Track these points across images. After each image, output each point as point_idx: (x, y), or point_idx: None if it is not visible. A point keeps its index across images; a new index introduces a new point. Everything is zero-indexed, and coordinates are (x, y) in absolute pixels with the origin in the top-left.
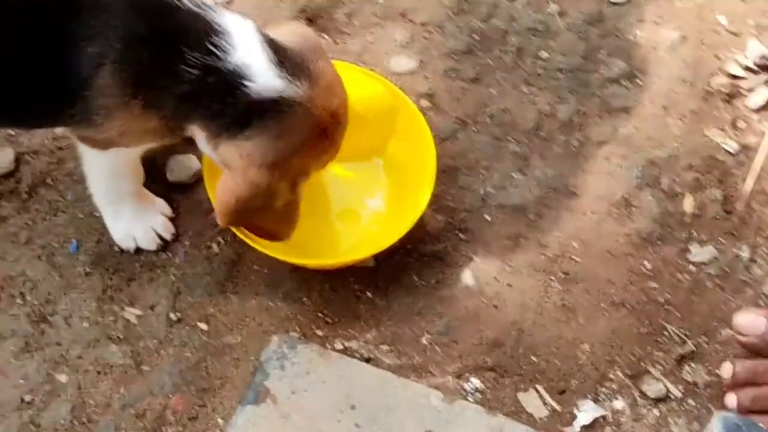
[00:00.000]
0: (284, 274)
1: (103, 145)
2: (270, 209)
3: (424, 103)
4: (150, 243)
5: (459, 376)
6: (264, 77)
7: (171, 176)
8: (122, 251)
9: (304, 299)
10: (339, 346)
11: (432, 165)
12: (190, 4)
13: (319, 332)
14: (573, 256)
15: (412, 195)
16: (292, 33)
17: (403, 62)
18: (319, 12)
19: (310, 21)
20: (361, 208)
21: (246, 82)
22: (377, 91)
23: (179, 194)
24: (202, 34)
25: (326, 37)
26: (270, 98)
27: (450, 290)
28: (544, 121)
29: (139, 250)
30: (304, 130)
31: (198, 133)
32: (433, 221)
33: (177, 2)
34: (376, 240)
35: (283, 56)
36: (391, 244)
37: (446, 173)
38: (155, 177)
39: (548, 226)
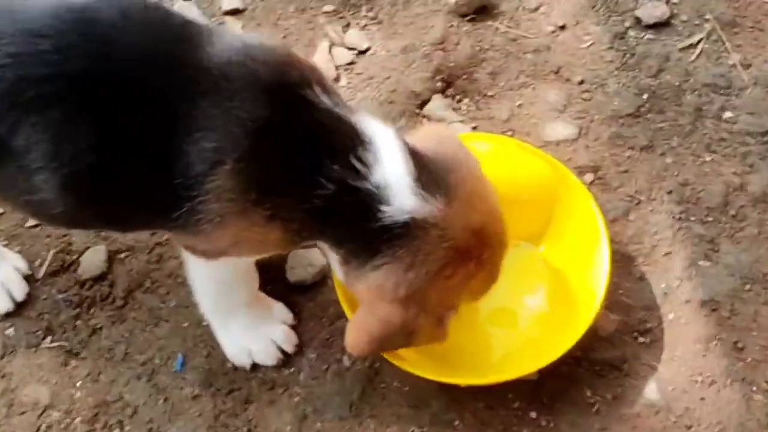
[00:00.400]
0: (430, 392)
1: (211, 254)
2: (408, 343)
3: (588, 177)
4: (269, 357)
5: None
6: (401, 198)
7: (292, 276)
8: (236, 368)
9: (456, 422)
10: None
11: (603, 253)
12: (330, 103)
13: None
14: None
15: (581, 290)
16: (426, 137)
17: (560, 129)
18: (457, 72)
19: (448, 84)
20: (519, 307)
21: (382, 206)
22: (534, 167)
23: (301, 296)
24: (347, 143)
25: (466, 101)
26: (402, 221)
27: (630, 407)
28: (732, 195)
29: (256, 366)
30: (440, 256)
31: (328, 252)
32: (605, 322)
33: (317, 99)
34: (539, 348)
35: (420, 169)
36: (560, 356)
37: (619, 262)
38: (273, 276)
39: (745, 324)
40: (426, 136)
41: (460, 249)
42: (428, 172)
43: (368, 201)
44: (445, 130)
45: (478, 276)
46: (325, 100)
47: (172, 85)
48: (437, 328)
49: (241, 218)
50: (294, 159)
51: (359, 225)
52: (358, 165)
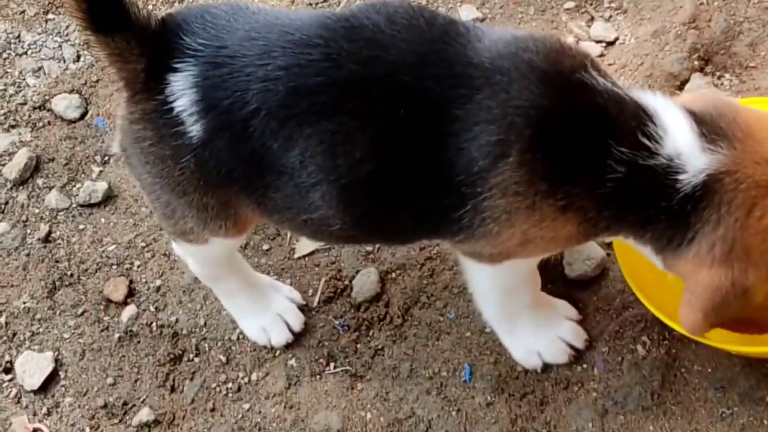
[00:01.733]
0: (736, 371)
1: (497, 258)
2: (748, 306)
3: None
4: (559, 356)
5: None
6: (693, 161)
7: (571, 272)
8: (527, 371)
9: None
10: None
11: None
12: (607, 83)
13: None
14: None
15: None
16: (685, 99)
17: None
18: (714, 48)
19: (705, 61)
20: None
21: (679, 176)
22: None
23: (583, 291)
24: (631, 122)
25: (727, 76)
26: (699, 182)
27: None
28: None
29: (547, 367)
30: (744, 199)
31: (636, 244)
32: None
33: (594, 81)
34: None
35: (700, 124)
36: None
37: None
38: (551, 274)
39: None
40: (685, 98)
41: (761, 184)
42: (704, 125)
43: (663, 175)
44: (692, 93)
45: None
46: (603, 82)
47: (443, 85)
48: None
49: (531, 213)
50: (580, 144)
51: (660, 203)
52: (647, 142)
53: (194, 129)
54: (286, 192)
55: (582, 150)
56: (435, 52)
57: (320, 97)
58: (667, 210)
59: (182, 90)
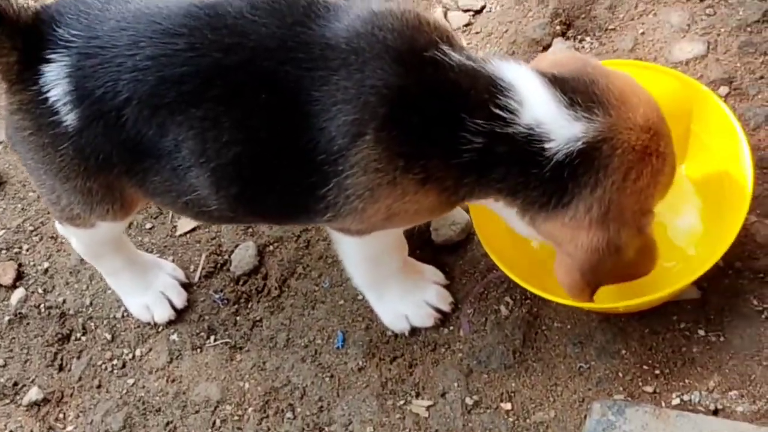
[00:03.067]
0: (593, 327)
1: (363, 232)
2: (622, 263)
3: (723, 90)
4: (426, 319)
5: None
6: (563, 130)
7: (437, 237)
8: (396, 335)
9: (623, 352)
10: (676, 401)
11: (746, 159)
12: (461, 58)
13: (649, 388)
14: None
15: (729, 202)
16: (554, 62)
17: (687, 48)
18: (575, 13)
19: (567, 26)
20: (672, 230)
21: (546, 144)
22: (662, 84)
23: (449, 255)
24: (483, 95)
25: (588, 39)
26: (574, 149)
27: None
28: None
29: (415, 330)
30: (620, 163)
31: (502, 209)
32: (761, 228)
33: (446, 58)
34: (694, 265)
35: (570, 93)
36: (712, 265)
37: (766, 168)
38: (418, 240)
39: None
40: (553, 61)
41: (636, 149)
42: (575, 92)
43: (526, 143)
44: (569, 51)
45: (665, 169)
46: (456, 57)
47: (302, 68)
48: (641, 237)
49: (392, 188)
50: (432, 119)
51: (529, 170)
52: (502, 113)
53: (69, 118)
54: (164, 176)
55: (435, 125)
56: (294, 35)
57: (186, 86)
58: (540, 176)
59: (56, 80)
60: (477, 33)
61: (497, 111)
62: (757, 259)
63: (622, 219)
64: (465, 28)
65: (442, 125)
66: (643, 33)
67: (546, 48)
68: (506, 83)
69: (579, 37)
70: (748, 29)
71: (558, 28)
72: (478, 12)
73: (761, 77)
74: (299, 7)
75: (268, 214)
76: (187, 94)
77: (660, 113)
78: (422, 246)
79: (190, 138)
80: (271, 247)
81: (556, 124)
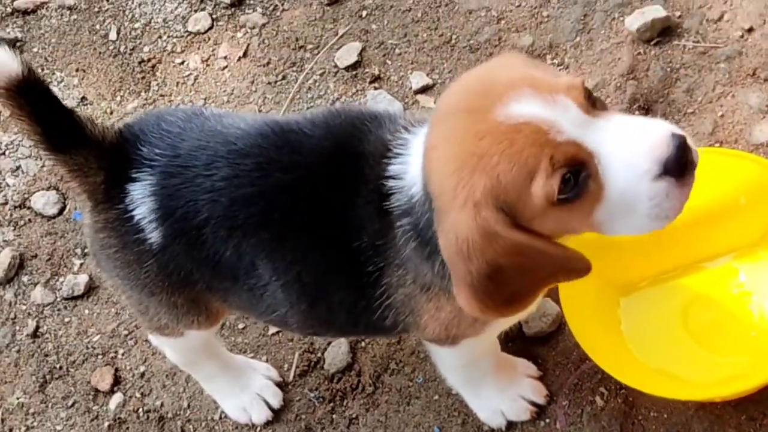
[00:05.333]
0: (689, 415)
1: (453, 341)
2: (500, 270)
3: None
4: (522, 414)
5: None
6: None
7: (528, 329)
8: (493, 430)
9: None
10: None
11: None
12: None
13: None
14: None
15: None
16: None
17: None
18: (653, 97)
19: (646, 110)
20: (761, 315)
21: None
22: (748, 172)
23: (541, 347)
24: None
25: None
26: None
27: None
28: None
29: (512, 425)
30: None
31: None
32: None
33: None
34: None
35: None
36: None
37: None
38: (510, 333)
39: None
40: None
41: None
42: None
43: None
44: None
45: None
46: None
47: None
48: (494, 240)
49: (415, 301)
50: (385, 220)
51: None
52: (399, 183)
53: (153, 235)
54: (242, 296)
55: (383, 224)
56: (344, 147)
57: (254, 207)
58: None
59: (141, 198)
60: None
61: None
62: None
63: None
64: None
65: (386, 222)
66: (722, 115)
67: None
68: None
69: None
70: None
71: (637, 113)
72: None
73: None
74: (354, 121)
75: (346, 329)
76: (255, 216)
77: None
78: (514, 338)
79: (262, 259)
80: (363, 344)
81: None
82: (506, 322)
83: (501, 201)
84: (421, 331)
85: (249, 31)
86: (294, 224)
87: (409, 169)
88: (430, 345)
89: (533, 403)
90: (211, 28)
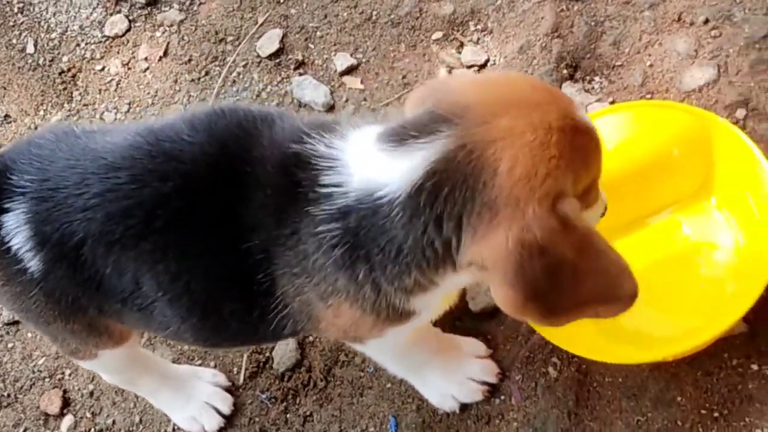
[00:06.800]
0: (645, 377)
1: (354, 341)
2: (564, 267)
3: (740, 112)
4: (474, 395)
5: None
6: (392, 171)
7: (474, 305)
8: (448, 414)
9: (678, 399)
10: None
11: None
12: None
13: None
14: None
15: (762, 230)
16: (417, 99)
17: (698, 75)
18: (579, 54)
19: (574, 68)
20: (709, 266)
21: (379, 193)
22: (682, 123)
23: (490, 322)
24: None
25: (597, 79)
26: (421, 178)
27: None
28: None
29: (465, 406)
30: (488, 161)
31: (460, 280)
32: None
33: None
34: (739, 299)
35: (403, 130)
36: (757, 297)
37: None
38: (456, 311)
39: None
40: (416, 99)
41: (496, 138)
42: (414, 125)
43: (368, 206)
44: (425, 85)
45: (553, 139)
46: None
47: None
48: (570, 230)
49: (313, 309)
50: (294, 227)
51: (388, 229)
52: (331, 190)
53: (33, 264)
54: (134, 315)
55: (299, 231)
56: (230, 156)
57: (132, 220)
58: (398, 228)
59: (16, 228)
60: None
61: (324, 191)
62: None
63: (523, 213)
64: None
65: (305, 229)
66: (651, 65)
67: None
68: (330, 159)
69: (587, 78)
70: (757, 46)
71: (565, 72)
72: (483, 66)
73: None
74: (238, 122)
75: (245, 339)
76: (133, 227)
77: (520, 89)
78: (461, 316)
79: (145, 272)
80: (311, 338)
81: (384, 171)
82: (405, 330)
83: (578, 195)
84: (323, 334)
85: (167, 29)
86: (178, 234)
87: (348, 174)
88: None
89: (485, 383)
90: (128, 30)
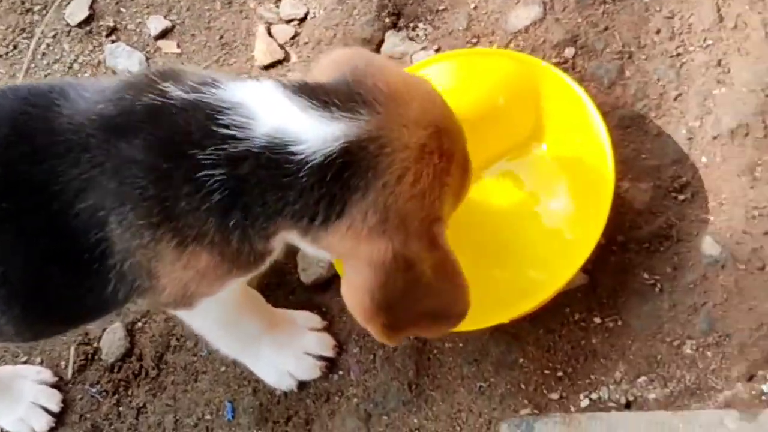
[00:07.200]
0: (485, 340)
1: (182, 304)
2: (419, 284)
3: (569, 51)
4: (311, 371)
5: (750, 379)
6: (314, 132)
7: (306, 277)
8: (287, 393)
9: (521, 360)
10: (585, 402)
11: (599, 125)
12: (181, 93)
13: (554, 395)
14: None
15: (595, 175)
16: (333, 63)
17: (524, 14)
18: (402, 0)
19: (396, 16)
20: (546, 216)
21: (294, 148)
22: (508, 70)
23: (324, 294)
24: (206, 123)
25: (421, 26)
26: (336, 151)
27: (694, 273)
28: (725, 7)
29: (304, 383)
30: (391, 163)
31: (288, 237)
32: (637, 193)
33: (162, 99)
34: (576, 249)
35: (326, 95)
36: (593, 247)
37: (630, 126)
38: (288, 284)
39: None
40: (322, 68)
41: (410, 147)
42: (331, 94)
43: (273, 153)
44: (347, 50)
45: (452, 169)
46: (177, 94)
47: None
48: (436, 251)
49: (159, 261)
50: (167, 171)
51: (282, 181)
52: (230, 131)
53: None
54: None
55: (170, 176)
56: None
57: None
58: (297, 186)
59: None
60: (306, 43)
61: (225, 131)
62: (639, 228)
63: (406, 227)
64: (293, 40)
65: (178, 173)
66: (475, 7)
67: (380, 44)
68: (232, 102)
69: (411, 25)
70: None
71: (387, 20)
72: (303, 20)
73: (605, 28)
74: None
75: (72, 321)
76: None
77: (444, 109)
78: (293, 290)
79: None
80: (139, 324)
81: (304, 128)
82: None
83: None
84: (158, 294)
85: None
86: None
87: (252, 120)
88: (180, 315)
89: (322, 357)
90: None
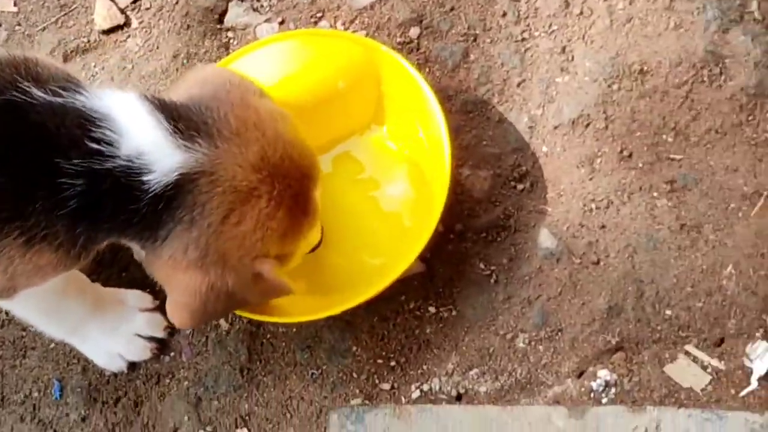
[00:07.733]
0: (320, 326)
1: (8, 295)
2: (241, 301)
3: (414, 31)
4: (142, 353)
5: (580, 375)
6: (164, 160)
7: (139, 255)
8: (117, 374)
9: (354, 349)
10: (416, 394)
11: (436, 111)
12: (45, 95)
13: (386, 385)
14: (672, 155)
15: (433, 161)
16: (188, 84)
17: None
18: None
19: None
20: (384, 201)
21: (145, 177)
22: (350, 53)
23: None
24: (75, 131)
25: (264, 7)
26: (171, 181)
27: (529, 265)
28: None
29: (133, 365)
30: (218, 203)
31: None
32: (476, 181)
33: (27, 97)
34: (415, 236)
35: (175, 120)
36: (429, 236)
37: (473, 112)
38: (121, 261)
39: (625, 129)
40: (188, 83)
41: (239, 189)
42: (180, 119)
43: (126, 177)
44: (208, 69)
45: (279, 214)
46: (40, 94)
47: None
48: (260, 282)
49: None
50: (24, 174)
51: (130, 204)
52: (100, 147)
53: None
54: None
55: (27, 178)
56: None
57: None
58: (138, 211)
59: None
60: (148, 9)
61: (94, 146)
62: (478, 216)
63: (226, 264)
64: (134, 6)
65: (36, 177)
66: None
67: (223, 14)
68: (100, 114)
69: (252, 11)
70: None
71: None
72: None
73: (451, 9)
74: None
75: None
76: None
77: (289, 151)
78: (126, 267)
79: None
80: None
81: (159, 154)
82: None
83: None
84: None
85: None
86: None
87: (120, 136)
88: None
89: (153, 339)
90: None
